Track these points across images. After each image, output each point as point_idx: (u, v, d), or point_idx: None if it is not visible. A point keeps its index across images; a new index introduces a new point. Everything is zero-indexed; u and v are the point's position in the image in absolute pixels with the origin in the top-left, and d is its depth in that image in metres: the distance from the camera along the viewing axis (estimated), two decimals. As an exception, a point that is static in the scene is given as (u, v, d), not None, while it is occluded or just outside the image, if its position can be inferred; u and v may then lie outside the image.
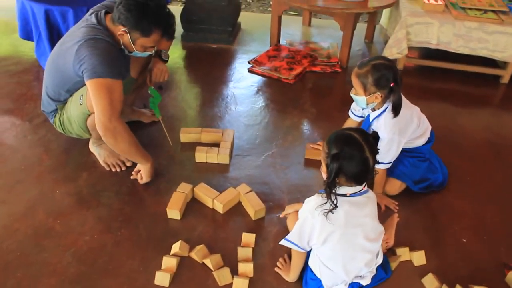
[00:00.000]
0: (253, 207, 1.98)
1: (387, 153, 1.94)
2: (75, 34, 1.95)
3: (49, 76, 2.09)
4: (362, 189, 1.50)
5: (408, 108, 1.98)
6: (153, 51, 2.06)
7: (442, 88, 3.10)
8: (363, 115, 2.13)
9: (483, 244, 1.93)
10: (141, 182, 2.14)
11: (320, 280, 1.59)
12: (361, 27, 3.70)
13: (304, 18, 3.88)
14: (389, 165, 2.00)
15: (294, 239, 1.54)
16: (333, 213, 1.43)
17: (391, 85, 1.83)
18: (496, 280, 1.76)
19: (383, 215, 1.99)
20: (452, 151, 2.43)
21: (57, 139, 2.40)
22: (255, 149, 2.42)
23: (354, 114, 2.19)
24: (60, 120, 2.16)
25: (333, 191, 1.43)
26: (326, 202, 1.43)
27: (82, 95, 2.00)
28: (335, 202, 1.42)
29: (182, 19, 3.48)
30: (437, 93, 3.05)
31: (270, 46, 3.46)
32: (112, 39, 1.95)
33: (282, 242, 1.57)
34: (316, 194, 1.52)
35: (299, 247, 1.54)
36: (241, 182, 2.14)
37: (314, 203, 1.48)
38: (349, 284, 1.58)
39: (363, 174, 1.43)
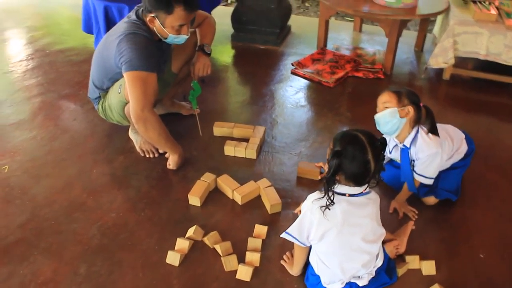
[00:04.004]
0: (270, 201, 2.05)
1: (429, 166, 1.91)
2: (118, 28, 2.12)
3: (95, 66, 2.30)
4: (362, 191, 1.52)
5: (440, 128, 1.96)
6: (188, 34, 2.15)
7: (489, 101, 2.99)
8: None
9: (502, 262, 1.86)
10: (169, 168, 2.29)
11: (319, 276, 1.64)
12: (413, 35, 3.64)
13: (356, 24, 3.89)
14: (431, 181, 1.97)
15: (294, 233, 1.59)
16: (329, 209, 1.48)
17: (421, 104, 1.84)
18: (509, 301, 1.71)
19: (400, 222, 1.99)
20: (487, 165, 2.36)
21: (102, 124, 2.60)
22: (283, 147, 2.49)
23: None
24: (102, 107, 2.36)
25: (331, 187, 1.46)
26: (323, 197, 1.48)
27: (121, 85, 2.18)
28: (331, 198, 1.46)
29: (233, 19, 3.63)
30: (483, 106, 2.94)
31: (317, 49, 3.51)
32: (149, 33, 2.10)
33: (283, 235, 1.63)
34: (318, 191, 1.56)
35: (299, 241, 1.59)
36: (265, 177, 2.21)
37: (313, 198, 1.53)
38: (346, 283, 1.61)
39: (362, 176, 1.45)
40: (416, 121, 1.87)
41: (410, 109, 1.82)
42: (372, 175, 1.46)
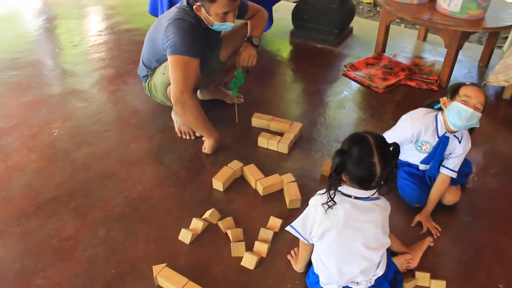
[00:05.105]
0: (289, 196, 2.07)
1: (461, 161, 2.01)
2: (170, 13, 2.23)
3: (145, 45, 2.42)
4: (370, 196, 1.48)
5: None
6: (234, 21, 2.20)
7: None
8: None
9: (523, 296, 1.76)
10: (204, 151, 2.37)
11: (318, 276, 1.64)
12: (480, 49, 3.45)
13: (420, 32, 3.74)
14: (456, 174, 2.02)
15: (298, 227, 1.59)
16: (332, 209, 1.47)
17: None
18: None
19: (418, 238, 1.92)
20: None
21: (149, 102, 2.74)
22: (317, 145, 2.48)
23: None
24: (148, 85, 2.49)
25: (334, 186, 1.44)
26: (324, 193, 1.47)
27: (166, 67, 2.28)
28: (332, 196, 1.45)
29: (294, 16, 3.64)
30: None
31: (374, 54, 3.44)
32: (197, 20, 2.18)
33: (288, 228, 1.63)
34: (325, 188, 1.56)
35: (303, 237, 1.59)
36: (292, 172, 2.23)
37: (318, 192, 1.53)
38: (343, 286, 1.59)
39: (367, 179, 1.41)
40: None
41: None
42: (379, 180, 1.42)
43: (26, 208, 2.02)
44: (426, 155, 2.01)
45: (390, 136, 1.99)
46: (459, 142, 1.97)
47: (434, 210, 2.04)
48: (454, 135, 1.96)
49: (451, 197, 2.06)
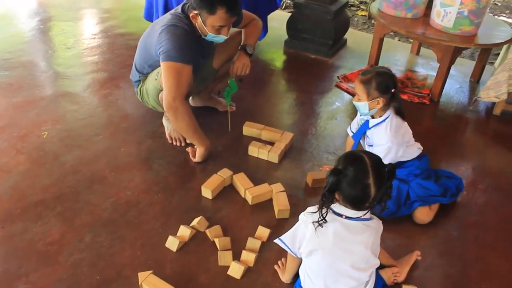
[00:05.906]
0: (278, 205, 2.06)
1: (384, 158, 1.93)
2: (164, 19, 2.22)
3: (138, 50, 2.41)
4: (361, 216, 1.46)
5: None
6: (228, 35, 2.22)
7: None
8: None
9: (509, 312, 1.76)
10: (193, 160, 2.36)
11: (305, 290, 1.62)
12: (472, 65, 3.48)
13: (413, 46, 3.77)
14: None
15: (287, 241, 1.58)
16: (322, 227, 1.45)
17: (392, 90, 1.96)
18: None
19: (406, 252, 1.92)
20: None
21: (140, 107, 2.72)
22: (307, 156, 2.48)
23: (352, 131, 2.25)
24: (140, 90, 2.48)
25: (326, 205, 1.43)
26: (316, 212, 1.46)
27: (158, 72, 2.27)
28: (324, 214, 1.43)
29: (288, 25, 3.65)
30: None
31: (367, 66, 3.46)
32: (190, 27, 2.18)
33: (276, 240, 1.62)
34: (317, 205, 1.54)
35: (291, 251, 1.58)
36: (281, 182, 2.22)
37: (308, 210, 1.52)
38: (330, 302, 1.58)
39: (361, 200, 1.40)
40: (388, 106, 2.02)
41: (380, 101, 1.97)
42: (373, 201, 1.40)
43: (12, 210, 2.00)
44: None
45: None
46: (368, 127, 2.08)
47: (425, 225, 2.06)
48: (372, 120, 2.07)
49: (421, 217, 2.06)
